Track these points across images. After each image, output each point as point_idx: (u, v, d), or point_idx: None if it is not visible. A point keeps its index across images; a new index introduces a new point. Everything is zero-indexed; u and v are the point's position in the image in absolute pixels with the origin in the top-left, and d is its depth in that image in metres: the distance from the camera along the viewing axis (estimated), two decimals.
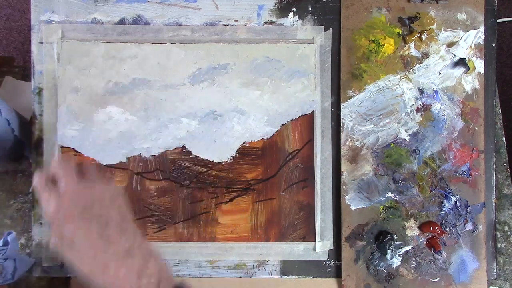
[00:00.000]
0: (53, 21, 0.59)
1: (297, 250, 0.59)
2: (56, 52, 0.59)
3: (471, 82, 0.59)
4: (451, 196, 0.59)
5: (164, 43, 0.59)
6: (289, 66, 0.59)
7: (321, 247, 0.59)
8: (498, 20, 1.21)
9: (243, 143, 0.59)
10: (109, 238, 0.37)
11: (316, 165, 0.59)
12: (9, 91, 0.67)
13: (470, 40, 0.59)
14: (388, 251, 0.57)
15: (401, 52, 0.59)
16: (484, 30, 0.59)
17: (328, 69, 0.59)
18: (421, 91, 0.59)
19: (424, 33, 0.59)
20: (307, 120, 0.59)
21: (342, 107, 0.59)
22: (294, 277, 0.59)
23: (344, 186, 0.59)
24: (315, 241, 0.59)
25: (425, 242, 0.58)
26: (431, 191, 0.59)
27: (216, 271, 0.59)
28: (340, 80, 0.59)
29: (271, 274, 0.59)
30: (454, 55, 0.59)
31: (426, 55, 0.59)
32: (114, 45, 0.59)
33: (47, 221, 0.58)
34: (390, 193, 0.58)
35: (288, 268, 0.59)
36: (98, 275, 0.36)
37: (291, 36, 0.59)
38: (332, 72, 0.59)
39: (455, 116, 0.59)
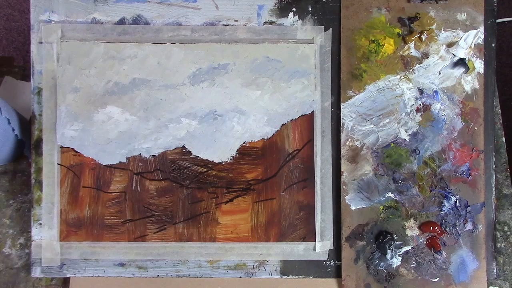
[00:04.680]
0: (53, 21, 0.59)
1: (297, 250, 0.59)
2: (55, 52, 0.58)
3: (470, 82, 0.59)
4: (451, 196, 0.59)
5: (164, 43, 0.59)
6: (289, 66, 0.59)
7: (321, 247, 0.59)
8: (498, 20, 1.22)
9: (243, 143, 0.59)
10: None
11: (316, 165, 0.59)
12: (8, 91, 0.67)
13: (470, 40, 0.59)
14: (388, 251, 0.58)
15: (401, 52, 0.59)
16: (484, 30, 0.59)
17: (328, 69, 0.59)
18: (421, 91, 0.59)
19: (424, 33, 0.59)
20: (307, 120, 0.59)
21: (342, 107, 0.59)
22: (294, 277, 0.59)
23: (344, 186, 0.59)
24: (315, 241, 0.59)
25: (425, 242, 0.58)
26: (431, 191, 0.59)
27: (216, 271, 0.59)
28: (340, 80, 0.59)
29: (271, 274, 0.59)
30: (454, 55, 0.59)
31: (426, 55, 0.59)
32: (114, 45, 0.59)
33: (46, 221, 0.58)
34: (390, 193, 0.58)
35: (288, 268, 0.59)
36: None
37: (291, 36, 0.59)
38: (332, 72, 0.59)
39: (455, 116, 0.59)
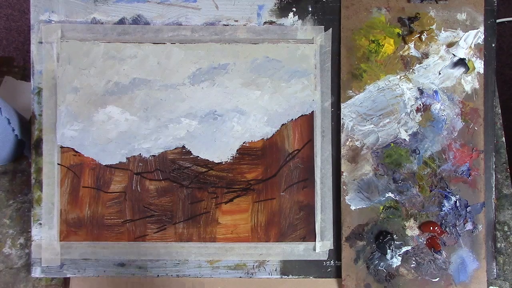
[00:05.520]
0: (53, 21, 0.59)
1: (297, 250, 0.59)
2: (55, 52, 0.58)
3: (470, 82, 0.59)
4: (451, 196, 0.59)
5: (164, 43, 0.59)
6: (289, 66, 0.59)
7: (321, 247, 0.59)
8: (498, 20, 1.22)
9: (243, 143, 0.59)
10: None
11: (316, 165, 0.59)
12: (8, 91, 0.67)
13: (470, 40, 0.59)
14: (388, 251, 0.58)
15: (401, 52, 0.59)
16: (484, 30, 0.59)
17: (328, 69, 0.59)
18: (421, 91, 0.59)
19: (424, 33, 0.59)
20: (307, 120, 0.59)
21: (342, 107, 0.59)
22: (294, 277, 0.59)
23: (344, 186, 0.59)
24: (315, 241, 0.59)
25: (425, 242, 0.58)
26: (431, 191, 0.59)
27: (216, 271, 0.59)
28: (340, 80, 0.59)
29: (271, 274, 0.59)
30: (454, 55, 0.59)
31: (426, 55, 0.59)
32: (114, 45, 0.59)
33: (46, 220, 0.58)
34: (390, 193, 0.58)
35: (288, 268, 0.59)
36: None
37: (291, 36, 0.59)
38: (332, 72, 0.59)
39: (455, 116, 0.59)
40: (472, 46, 0.59)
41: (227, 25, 0.59)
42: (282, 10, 0.60)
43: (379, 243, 0.58)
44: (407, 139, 0.59)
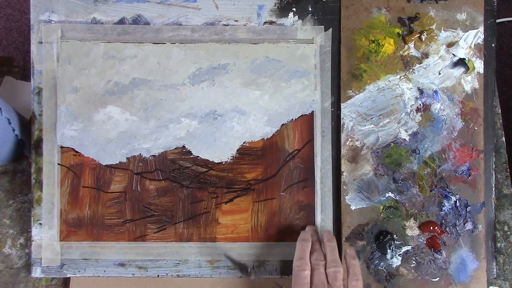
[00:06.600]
0: (53, 21, 0.59)
1: None
2: (55, 52, 0.58)
3: (470, 82, 0.59)
4: (451, 196, 0.59)
5: (164, 43, 0.59)
6: (289, 66, 0.59)
7: None
8: (498, 20, 1.22)
9: (243, 143, 0.59)
10: None
11: (316, 165, 0.59)
12: (8, 91, 0.67)
13: (470, 40, 0.59)
14: (388, 251, 0.58)
15: (401, 52, 0.59)
16: (484, 30, 0.59)
17: (328, 69, 0.59)
18: (421, 91, 0.59)
19: (424, 33, 0.59)
20: (307, 120, 0.59)
21: (342, 107, 0.59)
22: None
23: (344, 186, 0.59)
24: None
25: (425, 242, 0.59)
26: (431, 191, 0.59)
27: (216, 271, 0.59)
28: (340, 80, 0.59)
29: (271, 274, 0.59)
30: (454, 55, 0.59)
31: (426, 55, 0.59)
32: (114, 45, 0.59)
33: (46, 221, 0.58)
34: (390, 193, 0.58)
35: (288, 268, 0.59)
36: None
37: (291, 36, 0.59)
38: (332, 72, 0.59)
39: (455, 116, 0.59)
40: (472, 46, 0.59)
41: (227, 25, 0.59)
42: (282, 10, 0.60)
43: (379, 243, 0.58)
44: (407, 139, 0.59)
